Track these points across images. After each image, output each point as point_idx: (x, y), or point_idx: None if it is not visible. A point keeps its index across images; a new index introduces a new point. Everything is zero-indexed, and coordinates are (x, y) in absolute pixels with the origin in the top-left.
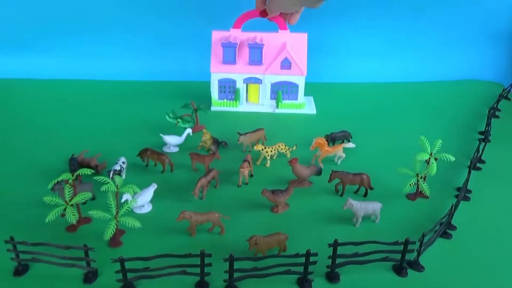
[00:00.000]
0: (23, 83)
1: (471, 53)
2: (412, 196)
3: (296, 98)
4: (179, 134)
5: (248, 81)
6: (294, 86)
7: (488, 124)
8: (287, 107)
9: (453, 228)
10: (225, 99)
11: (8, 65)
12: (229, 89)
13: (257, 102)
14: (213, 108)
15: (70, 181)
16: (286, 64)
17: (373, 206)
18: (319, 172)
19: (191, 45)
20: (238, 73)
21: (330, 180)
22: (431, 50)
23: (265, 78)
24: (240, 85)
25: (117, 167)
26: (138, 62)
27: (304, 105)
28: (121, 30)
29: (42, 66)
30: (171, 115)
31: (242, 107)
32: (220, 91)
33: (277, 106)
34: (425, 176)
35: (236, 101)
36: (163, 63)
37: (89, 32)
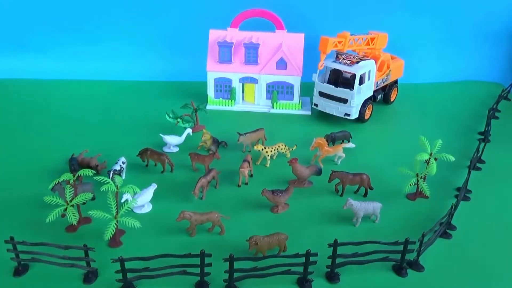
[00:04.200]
0: (23, 83)
1: (471, 54)
2: (412, 196)
3: (291, 99)
4: (179, 134)
5: (244, 80)
6: (290, 87)
7: (488, 124)
8: (283, 107)
9: (453, 228)
10: (220, 98)
11: (8, 65)
12: (225, 88)
13: (253, 101)
14: (209, 107)
15: (71, 181)
16: (282, 64)
17: (373, 206)
18: (319, 172)
19: (191, 46)
20: (234, 73)
21: (330, 180)
22: (431, 52)
23: (261, 78)
24: (236, 84)
25: (117, 167)
26: (138, 62)
27: (300, 106)
28: (121, 31)
29: (42, 66)
30: (171, 115)
31: (238, 106)
32: (216, 90)
33: (273, 106)
34: (425, 176)
35: (232, 100)
36: (163, 63)
37: (89, 33)
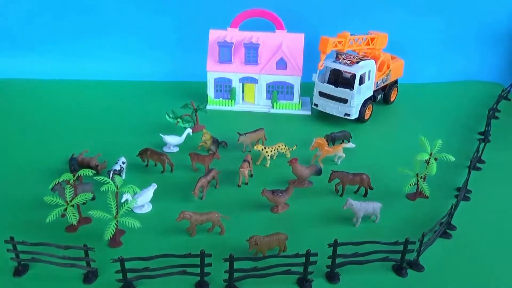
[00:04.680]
0: (23, 83)
1: (471, 54)
2: (412, 196)
3: (291, 99)
4: (179, 134)
5: (244, 80)
6: (290, 87)
7: (488, 124)
8: (283, 107)
9: (453, 228)
10: (220, 98)
11: (9, 65)
12: (225, 88)
13: (253, 101)
14: (209, 107)
15: (71, 181)
16: (282, 64)
17: (373, 206)
18: (319, 172)
19: (191, 46)
20: (234, 72)
21: (330, 180)
22: (431, 51)
23: (261, 78)
24: (236, 84)
25: (117, 167)
26: (138, 62)
27: (300, 106)
28: (121, 31)
29: (42, 66)
30: (171, 115)
31: (238, 106)
32: (216, 90)
33: (273, 106)
34: (425, 176)
35: (232, 100)
36: (163, 63)
37: (89, 33)
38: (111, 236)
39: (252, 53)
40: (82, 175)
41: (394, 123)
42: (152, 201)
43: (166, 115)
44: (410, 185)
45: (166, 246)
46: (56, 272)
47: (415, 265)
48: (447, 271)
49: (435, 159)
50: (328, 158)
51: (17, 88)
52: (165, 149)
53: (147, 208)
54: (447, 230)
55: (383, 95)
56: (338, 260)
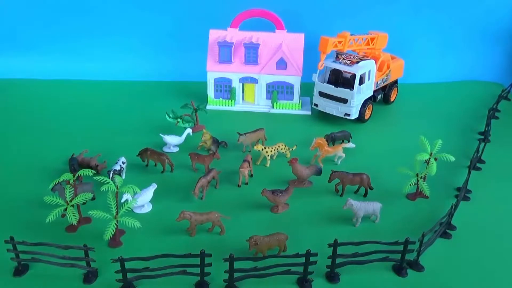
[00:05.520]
0: (23, 83)
1: (471, 54)
2: (412, 196)
3: (291, 99)
4: (179, 134)
5: (244, 80)
6: (290, 87)
7: (488, 124)
8: (283, 107)
9: (453, 228)
10: (220, 98)
11: (8, 65)
12: (225, 88)
13: (253, 101)
14: (209, 107)
15: (71, 181)
16: (282, 64)
17: (373, 206)
18: (319, 172)
19: (191, 46)
20: (234, 72)
21: (330, 180)
22: (431, 52)
23: (261, 78)
24: (236, 84)
25: (117, 167)
26: (138, 62)
27: (300, 106)
28: (121, 31)
29: (42, 66)
30: (171, 115)
31: (238, 106)
32: (216, 90)
33: (273, 106)
34: (425, 176)
35: (232, 100)
36: (163, 63)
37: (89, 33)
38: (111, 236)
39: (252, 53)
40: (82, 175)
41: (394, 123)
42: (152, 201)
43: (166, 115)
44: (410, 185)
45: (166, 246)
46: (56, 272)
47: (415, 265)
48: (447, 271)
49: (435, 159)
50: (328, 158)
51: (17, 88)
52: (165, 149)
53: (147, 208)
54: (447, 230)
55: (383, 95)
56: (338, 260)
